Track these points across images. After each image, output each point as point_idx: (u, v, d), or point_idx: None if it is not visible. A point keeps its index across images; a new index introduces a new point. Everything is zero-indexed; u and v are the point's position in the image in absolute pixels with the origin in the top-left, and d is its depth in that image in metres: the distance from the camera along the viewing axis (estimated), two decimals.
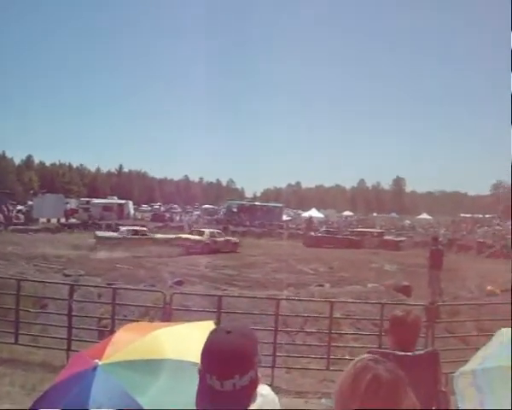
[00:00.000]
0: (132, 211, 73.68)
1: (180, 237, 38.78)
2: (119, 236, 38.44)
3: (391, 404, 1.80)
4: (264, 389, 2.23)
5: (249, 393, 2.11)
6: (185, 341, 2.16)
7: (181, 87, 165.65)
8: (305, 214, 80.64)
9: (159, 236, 41.30)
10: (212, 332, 2.16)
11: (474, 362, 3.13)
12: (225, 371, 2.04)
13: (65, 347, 10.15)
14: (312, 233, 48.96)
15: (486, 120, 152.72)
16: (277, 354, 10.03)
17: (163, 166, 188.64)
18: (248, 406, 2.12)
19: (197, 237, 37.49)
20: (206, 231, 40.11)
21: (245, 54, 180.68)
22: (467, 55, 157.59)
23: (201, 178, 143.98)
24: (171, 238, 39.18)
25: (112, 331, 7.56)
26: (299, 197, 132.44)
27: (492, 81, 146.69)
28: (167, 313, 10.06)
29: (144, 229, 42.70)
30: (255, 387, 2.14)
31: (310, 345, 11.14)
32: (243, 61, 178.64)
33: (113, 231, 42.88)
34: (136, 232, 39.89)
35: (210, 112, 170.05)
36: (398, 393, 1.83)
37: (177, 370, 2.73)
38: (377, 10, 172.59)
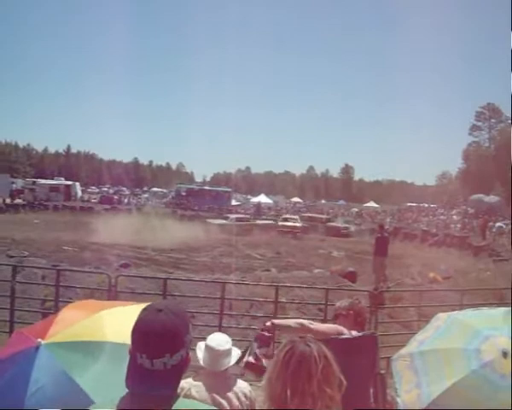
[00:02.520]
0: (80, 192, 72.48)
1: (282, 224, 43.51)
2: (229, 222, 41.67)
3: (302, 373, 1.91)
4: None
5: (180, 372, 2.11)
6: (126, 323, 2.15)
7: (129, 71, 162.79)
8: (254, 200, 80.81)
9: (259, 222, 45.74)
10: (143, 311, 2.14)
11: (412, 346, 3.20)
12: (155, 350, 2.03)
13: (7, 329, 9.96)
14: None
15: (434, 112, 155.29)
16: None
17: (112, 149, 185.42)
18: (178, 384, 2.13)
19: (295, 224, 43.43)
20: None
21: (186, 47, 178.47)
22: (417, 47, 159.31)
23: (151, 161, 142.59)
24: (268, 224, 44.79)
25: (56, 314, 7.47)
26: (248, 183, 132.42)
27: (443, 73, 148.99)
28: (112, 296, 9.96)
29: (247, 216, 48.32)
30: (186, 366, 2.14)
31: (255, 329, 11.19)
32: (187, 56, 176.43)
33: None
34: (241, 219, 44.10)
35: (159, 96, 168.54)
36: (309, 363, 1.95)
37: (117, 352, 2.72)
38: None
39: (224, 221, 43.10)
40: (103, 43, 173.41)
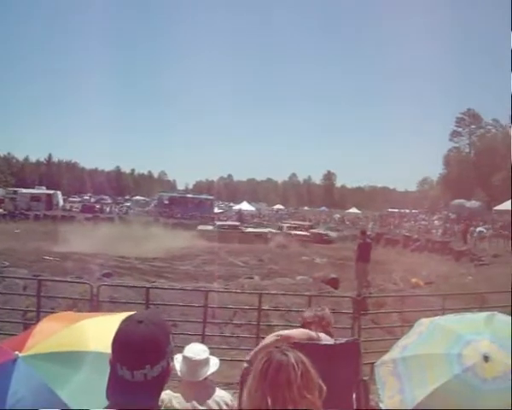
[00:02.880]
0: (61, 202, 71.94)
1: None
2: (216, 229, 42.71)
3: (281, 381, 1.92)
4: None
5: (161, 383, 2.10)
6: (108, 332, 2.13)
7: (109, 78, 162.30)
8: (237, 207, 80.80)
9: (249, 230, 45.02)
10: (123, 322, 2.12)
11: (395, 351, 3.21)
12: (136, 362, 2.01)
13: None
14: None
15: (415, 118, 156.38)
16: (206, 346, 10.00)
17: (94, 157, 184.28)
18: (159, 395, 2.12)
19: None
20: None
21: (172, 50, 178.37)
22: (391, 51, 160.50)
23: (133, 170, 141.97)
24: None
25: (35, 325, 7.39)
26: (230, 190, 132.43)
27: (424, 79, 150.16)
28: (94, 306, 9.90)
29: (237, 224, 47.51)
30: (167, 376, 2.12)
31: (238, 337, 11.17)
32: (168, 64, 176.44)
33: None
34: (230, 226, 44.48)
35: (141, 105, 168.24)
36: (288, 370, 1.96)
37: (98, 362, 2.68)
38: None
39: (210, 227, 43.89)
40: (85, 52, 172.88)
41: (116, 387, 2.02)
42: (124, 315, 2.19)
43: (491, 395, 2.59)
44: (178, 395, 3.81)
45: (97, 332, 2.99)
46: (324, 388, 2.14)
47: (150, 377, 2.02)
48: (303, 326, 4.54)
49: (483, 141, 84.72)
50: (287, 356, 2.08)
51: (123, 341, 2.05)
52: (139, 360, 2.01)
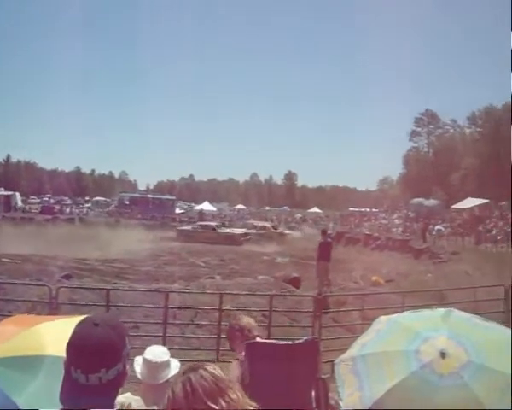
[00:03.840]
0: (20, 203, 70.84)
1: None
2: (193, 229, 44.16)
3: (200, 404, 1.91)
4: None
5: (116, 386, 2.07)
6: (65, 336, 2.09)
7: (72, 80, 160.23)
8: (198, 207, 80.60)
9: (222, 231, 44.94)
10: (79, 324, 2.09)
11: (354, 349, 3.22)
12: (91, 365, 1.98)
13: None
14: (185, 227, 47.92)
15: (374, 118, 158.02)
16: (167, 347, 9.94)
17: (53, 157, 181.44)
18: (115, 399, 2.09)
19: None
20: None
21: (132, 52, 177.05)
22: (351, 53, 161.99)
23: (93, 170, 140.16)
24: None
25: None
26: (192, 190, 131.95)
27: (385, 79, 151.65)
28: (53, 308, 9.76)
29: (214, 224, 47.16)
30: (123, 380, 2.09)
31: (200, 337, 11.15)
32: (129, 65, 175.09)
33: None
34: (206, 226, 44.61)
35: (101, 105, 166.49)
36: (204, 395, 1.96)
37: (55, 367, 2.63)
38: None
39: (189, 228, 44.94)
40: (47, 51, 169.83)
41: (70, 391, 1.98)
42: (79, 319, 2.16)
43: (448, 390, 2.62)
44: (138, 398, 3.76)
45: (55, 336, 2.93)
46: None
47: (105, 380, 1.99)
48: (230, 340, 4.73)
49: (441, 141, 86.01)
50: (197, 371, 2.06)
51: (78, 343, 2.02)
52: (94, 363, 1.98)
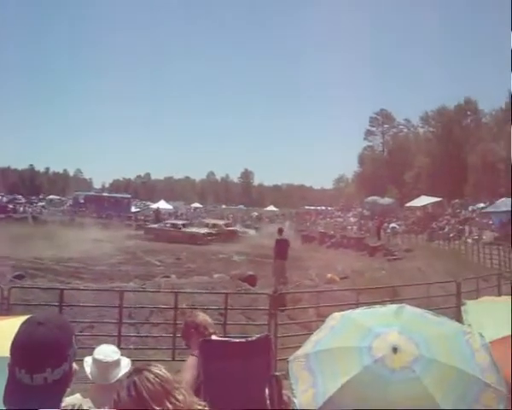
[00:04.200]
0: None
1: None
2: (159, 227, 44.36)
3: (145, 407, 1.90)
4: None
5: (63, 387, 2.03)
6: (9, 336, 2.04)
7: (24, 76, 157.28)
8: (154, 206, 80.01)
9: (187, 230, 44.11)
10: (23, 324, 2.04)
11: (308, 346, 3.24)
12: (35, 365, 1.94)
13: None
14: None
15: (330, 117, 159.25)
16: (122, 346, 9.86)
17: (6, 155, 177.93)
18: (61, 400, 2.06)
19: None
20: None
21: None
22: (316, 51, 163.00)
23: (47, 168, 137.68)
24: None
25: None
26: (148, 189, 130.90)
27: (341, 78, 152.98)
28: (5, 309, 9.58)
29: (180, 223, 47.00)
30: (69, 380, 2.05)
31: (155, 336, 11.08)
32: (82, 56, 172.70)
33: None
34: (174, 225, 44.56)
35: (54, 100, 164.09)
36: (149, 398, 1.94)
37: (2, 366, 2.58)
38: None
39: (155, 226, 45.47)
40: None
41: (14, 392, 1.94)
42: (23, 319, 2.12)
43: (400, 384, 2.66)
44: (88, 399, 3.69)
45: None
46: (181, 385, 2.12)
47: (51, 380, 1.95)
48: (185, 338, 4.72)
49: (395, 140, 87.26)
50: (141, 374, 2.04)
51: (21, 343, 1.97)
52: (39, 363, 1.94)
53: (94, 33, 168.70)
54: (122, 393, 1.98)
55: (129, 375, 2.07)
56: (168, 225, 44.73)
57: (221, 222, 49.89)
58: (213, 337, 4.45)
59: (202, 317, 4.75)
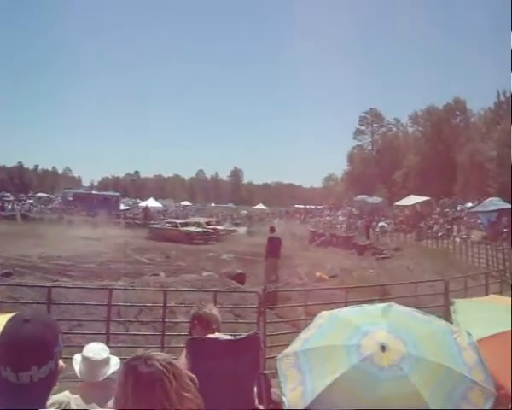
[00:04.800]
0: None
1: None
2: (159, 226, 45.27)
3: (146, 393, 1.88)
4: None
5: (49, 385, 2.02)
6: None
7: (6, 74, 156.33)
8: (143, 204, 79.80)
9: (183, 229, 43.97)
10: (9, 321, 2.03)
11: (296, 344, 3.24)
12: (21, 363, 1.92)
13: None
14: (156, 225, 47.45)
15: (320, 116, 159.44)
16: (111, 344, 9.83)
17: None
18: (47, 398, 2.04)
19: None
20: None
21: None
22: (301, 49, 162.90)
23: (36, 166, 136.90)
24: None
25: None
26: (137, 187, 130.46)
27: (330, 78, 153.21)
28: None
29: (178, 222, 46.88)
30: (56, 379, 2.04)
31: (144, 334, 11.06)
32: (65, 55, 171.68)
33: None
34: (172, 224, 44.91)
35: (40, 98, 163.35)
36: (161, 380, 1.91)
37: None
38: None
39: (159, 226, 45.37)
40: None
41: (0, 390, 1.93)
42: (8, 316, 2.11)
43: (388, 382, 2.67)
44: (77, 396, 3.69)
45: None
46: (195, 377, 2.10)
47: (37, 378, 1.93)
48: (192, 327, 4.56)
49: (384, 139, 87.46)
50: (153, 365, 1.97)
51: (7, 341, 1.95)
52: (24, 361, 1.92)
53: (83, 34, 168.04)
54: (122, 378, 1.97)
55: (129, 360, 2.04)
56: (168, 224, 44.67)
57: (202, 220, 49.66)
58: (216, 335, 4.34)
59: (209, 310, 4.60)
